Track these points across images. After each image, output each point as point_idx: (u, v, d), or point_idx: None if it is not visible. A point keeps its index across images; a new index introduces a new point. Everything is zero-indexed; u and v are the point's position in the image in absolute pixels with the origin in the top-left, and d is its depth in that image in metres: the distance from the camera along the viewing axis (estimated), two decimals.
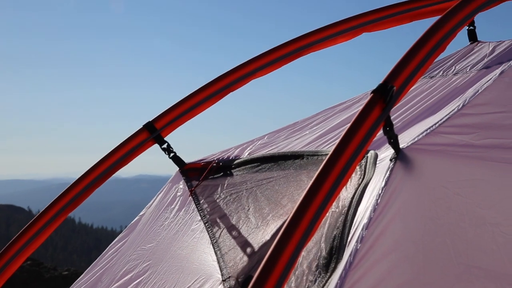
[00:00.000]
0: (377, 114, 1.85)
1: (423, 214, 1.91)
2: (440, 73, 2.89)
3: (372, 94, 1.86)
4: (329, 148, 2.61)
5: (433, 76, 2.90)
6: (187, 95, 3.05)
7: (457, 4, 2.17)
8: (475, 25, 3.14)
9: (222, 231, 2.67)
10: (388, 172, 1.94)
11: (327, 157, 1.77)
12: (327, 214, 2.10)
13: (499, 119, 2.22)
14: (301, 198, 1.70)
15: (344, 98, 3.31)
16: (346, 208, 2.03)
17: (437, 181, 1.97)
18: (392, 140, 1.95)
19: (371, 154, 2.21)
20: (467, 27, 3.14)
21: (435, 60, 3.08)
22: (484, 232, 1.93)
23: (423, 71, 2.02)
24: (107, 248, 3.13)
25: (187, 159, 3.15)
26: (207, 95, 3.01)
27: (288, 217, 1.73)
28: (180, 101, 3.03)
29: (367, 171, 2.11)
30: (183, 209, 2.95)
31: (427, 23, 2.54)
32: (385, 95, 1.85)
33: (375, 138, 1.91)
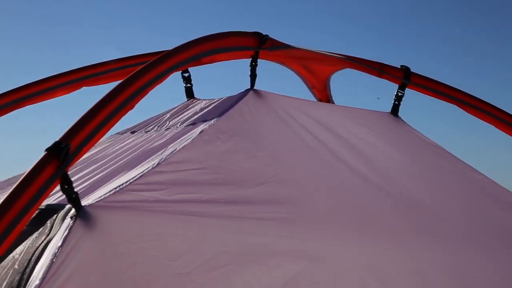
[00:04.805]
0: (50, 172, 1.84)
1: (105, 271, 1.91)
2: (155, 128, 2.97)
3: (45, 152, 1.85)
4: None
5: (148, 131, 2.97)
6: None
7: (147, 64, 2.25)
8: (192, 82, 3.30)
9: None
10: (67, 231, 1.92)
11: None
12: (9, 272, 2.01)
13: (194, 175, 2.32)
14: None
15: None
16: (24, 267, 1.96)
17: (122, 237, 1.99)
18: (72, 198, 1.94)
19: (65, 209, 2.17)
20: (184, 85, 3.29)
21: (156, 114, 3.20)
22: (174, 283, 2.00)
23: (107, 129, 2.05)
24: None
25: None
26: None
27: None
28: None
29: (53, 227, 2.06)
30: None
31: None
32: (59, 154, 1.85)
33: None
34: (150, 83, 2.23)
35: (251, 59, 2.89)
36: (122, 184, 2.14)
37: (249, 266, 2.14)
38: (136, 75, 2.19)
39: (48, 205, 2.19)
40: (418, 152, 3.09)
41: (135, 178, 2.18)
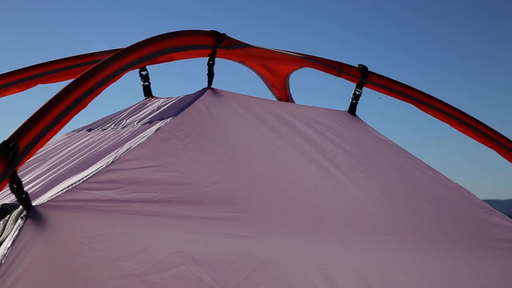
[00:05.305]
0: None
1: (56, 271, 1.90)
2: (112, 126, 2.94)
3: None
4: None
5: (105, 129, 2.94)
6: None
7: (101, 62, 2.23)
8: (150, 81, 3.28)
9: None
10: (17, 231, 1.89)
11: None
12: None
13: (148, 173, 2.29)
14: None
15: None
16: None
17: (73, 237, 1.97)
18: (22, 198, 1.92)
19: (18, 209, 2.13)
20: (142, 83, 3.27)
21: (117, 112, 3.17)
22: (125, 284, 1.98)
23: (58, 128, 2.03)
24: None
25: None
26: None
27: None
28: None
29: (6, 228, 2.03)
30: None
31: None
32: (7, 153, 1.82)
33: None
34: (104, 81, 2.20)
35: (208, 57, 2.87)
36: (75, 183, 2.11)
37: (201, 266, 2.15)
38: (90, 73, 2.16)
39: (3, 205, 2.16)
40: (374, 150, 3.12)
41: (88, 176, 2.16)
